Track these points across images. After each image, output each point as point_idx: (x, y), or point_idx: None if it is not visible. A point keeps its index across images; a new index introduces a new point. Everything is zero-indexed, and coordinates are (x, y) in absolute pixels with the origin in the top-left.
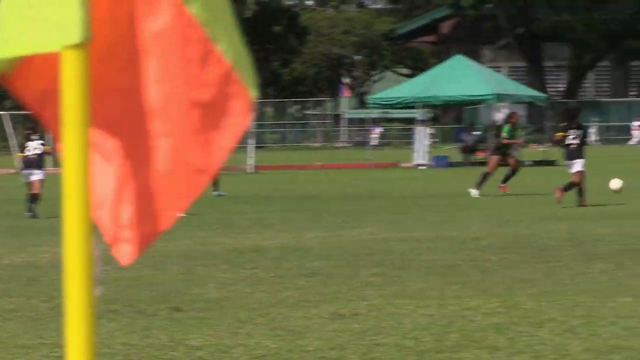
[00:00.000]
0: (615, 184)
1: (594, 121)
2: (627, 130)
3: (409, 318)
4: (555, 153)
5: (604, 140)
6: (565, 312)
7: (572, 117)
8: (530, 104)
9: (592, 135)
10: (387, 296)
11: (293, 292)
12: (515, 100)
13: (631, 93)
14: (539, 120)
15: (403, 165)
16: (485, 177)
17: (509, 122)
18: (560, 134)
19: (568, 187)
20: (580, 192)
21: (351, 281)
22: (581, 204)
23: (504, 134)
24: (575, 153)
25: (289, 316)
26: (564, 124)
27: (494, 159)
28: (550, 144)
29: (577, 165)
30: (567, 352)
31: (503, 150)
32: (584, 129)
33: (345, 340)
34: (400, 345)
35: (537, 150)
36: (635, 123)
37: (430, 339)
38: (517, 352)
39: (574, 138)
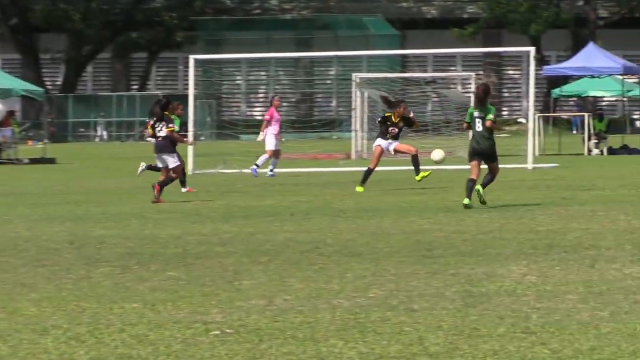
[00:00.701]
0: (437, 155)
1: (100, 116)
2: (132, 126)
3: None
4: (55, 150)
5: (110, 136)
6: (70, 318)
7: (160, 109)
8: (26, 99)
9: (100, 131)
10: None
11: None
12: (11, 94)
13: (134, 87)
14: (36, 115)
15: None
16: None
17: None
18: (149, 130)
19: (163, 184)
20: (183, 182)
21: None
22: (155, 200)
23: (176, 127)
24: (162, 146)
25: None
26: (154, 117)
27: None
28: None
29: (170, 160)
30: None
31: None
32: (166, 121)
33: None
34: None
35: (35, 148)
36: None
37: None
38: None
39: (160, 130)
